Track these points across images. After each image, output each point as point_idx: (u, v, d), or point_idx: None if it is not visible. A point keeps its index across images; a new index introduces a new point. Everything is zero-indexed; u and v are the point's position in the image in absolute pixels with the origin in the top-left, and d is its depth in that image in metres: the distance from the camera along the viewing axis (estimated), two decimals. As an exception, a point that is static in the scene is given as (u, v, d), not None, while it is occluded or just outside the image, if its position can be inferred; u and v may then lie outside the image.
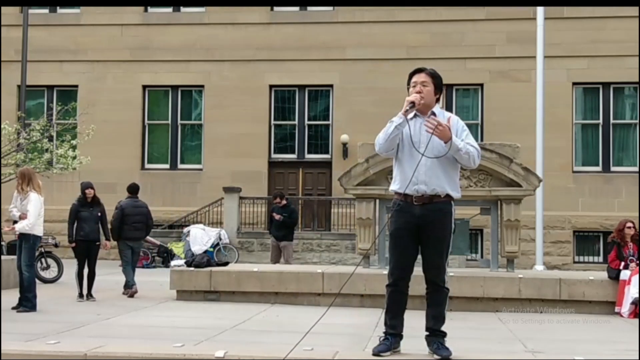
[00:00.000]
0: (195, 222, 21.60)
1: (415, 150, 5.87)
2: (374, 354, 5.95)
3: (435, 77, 6.08)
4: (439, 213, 5.93)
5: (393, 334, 6.05)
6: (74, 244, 11.58)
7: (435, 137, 5.79)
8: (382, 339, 6.06)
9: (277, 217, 15.82)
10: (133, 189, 13.09)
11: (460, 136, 5.95)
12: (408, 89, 6.12)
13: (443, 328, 6.05)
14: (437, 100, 6.13)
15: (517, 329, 8.80)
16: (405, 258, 5.98)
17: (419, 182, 5.87)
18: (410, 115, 5.95)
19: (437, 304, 6.03)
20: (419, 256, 6.09)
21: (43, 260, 14.28)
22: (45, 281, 13.89)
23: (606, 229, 20.17)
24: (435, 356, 5.94)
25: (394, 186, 6.07)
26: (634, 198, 20.45)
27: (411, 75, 6.13)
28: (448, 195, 5.97)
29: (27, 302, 9.74)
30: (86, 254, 11.56)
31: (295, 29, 22.91)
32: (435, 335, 6.03)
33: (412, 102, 5.91)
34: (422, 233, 5.93)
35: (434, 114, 6.02)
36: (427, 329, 6.08)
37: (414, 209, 5.89)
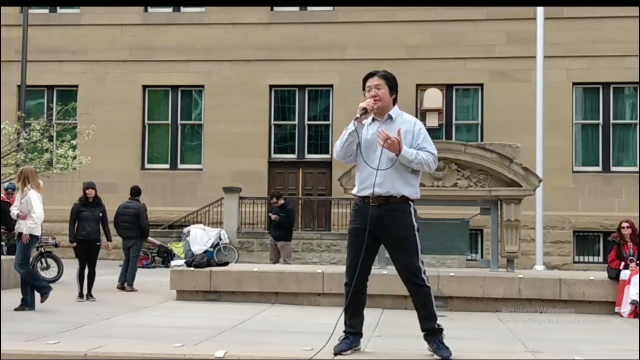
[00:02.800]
0: (195, 222, 21.60)
1: (371, 154, 5.98)
2: (335, 354, 5.97)
3: (388, 79, 6.14)
4: (395, 212, 5.99)
5: (353, 333, 6.11)
6: (74, 244, 11.60)
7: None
8: (342, 338, 6.10)
9: (273, 217, 15.93)
10: (131, 191, 13.84)
11: (416, 140, 6.03)
12: (364, 94, 6.17)
13: (438, 323, 6.08)
14: (394, 101, 6.19)
15: (517, 329, 8.80)
16: (359, 258, 6.01)
17: (374, 185, 5.94)
18: (368, 120, 6.05)
19: (422, 304, 6.08)
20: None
21: (43, 260, 14.27)
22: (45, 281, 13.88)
23: (606, 229, 20.18)
24: (436, 356, 5.96)
25: (354, 190, 6.22)
26: (634, 198, 20.44)
27: (365, 79, 6.18)
28: (404, 196, 6.03)
29: (45, 289, 9.86)
30: (87, 253, 11.56)
31: (295, 29, 22.90)
32: (433, 334, 6.06)
33: (364, 109, 5.97)
34: (382, 235, 6.01)
35: (390, 117, 6.10)
36: (422, 330, 6.12)
37: (371, 210, 5.96)
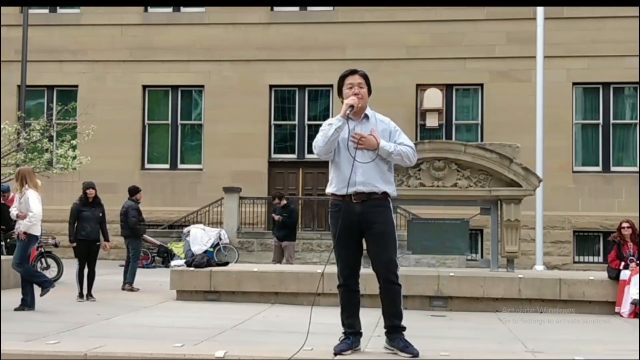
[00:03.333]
0: (195, 222, 21.60)
1: (351, 153, 6.02)
2: (335, 354, 6.01)
3: (367, 79, 6.26)
4: (378, 208, 6.07)
5: (352, 333, 6.16)
6: (75, 244, 11.59)
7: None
8: (342, 338, 6.15)
9: (276, 217, 15.94)
10: (128, 191, 13.92)
11: (393, 137, 6.14)
12: (340, 91, 6.28)
13: (403, 324, 6.13)
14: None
15: (517, 329, 8.80)
16: (352, 257, 6.11)
17: (356, 183, 6.00)
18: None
19: (391, 302, 6.12)
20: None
21: (43, 260, 14.26)
22: (45, 281, 13.89)
23: (606, 229, 20.19)
24: (404, 354, 6.01)
25: (331, 189, 6.19)
26: (634, 198, 20.44)
27: (344, 77, 6.28)
28: (385, 193, 6.11)
29: (46, 283, 9.87)
30: (87, 253, 11.56)
31: (295, 29, 22.90)
32: (397, 332, 6.12)
33: (352, 105, 6.04)
34: (365, 230, 6.07)
35: (367, 117, 6.18)
36: (385, 327, 6.18)
37: (354, 207, 6.02)
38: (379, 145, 5.97)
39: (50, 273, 14.27)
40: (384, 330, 6.19)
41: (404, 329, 6.14)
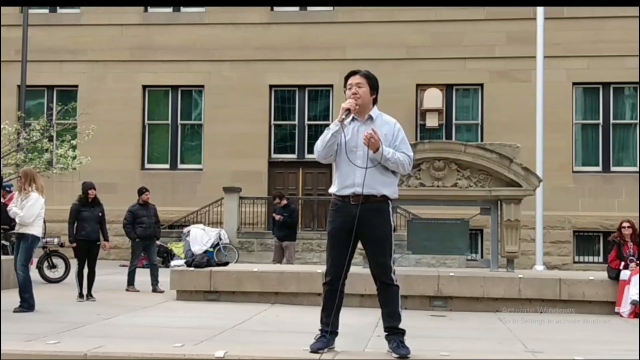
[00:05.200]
0: (195, 222, 21.60)
1: (353, 154, 6.02)
2: (312, 352, 6.02)
3: (370, 78, 6.18)
4: (375, 212, 6.05)
5: (329, 332, 6.15)
6: (74, 244, 11.58)
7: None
8: (318, 336, 6.15)
9: (277, 217, 15.90)
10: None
11: (395, 141, 6.10)
12: (344, 91, 6.22)
13: (401, 326, 6.12)
14: (374, 101, 6.22)
15: (517, 329, 8.80)
16: (342, 257, 6.06)
17: (355, 185, 6.00)
18: (348, 120, 6.06)
19: (389, 302, 6.13)
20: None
21: (49, 260, 14.24)
22: (50, 281, 13.88)
23: (606, 229, 20.19)
24: (394, 355, 6.02)
25: (333, 189, 6.22)
26: (634, 198, 20.45)
27: (346, 78, 6.22)
28: (384, 196, 6.09)
29: (23, 303, 9.71)
30: (87, 253, 11.55)
31: (295, 29, 22.91)
32: (394, 334, 6.11)
33: (348, 109, 6.01)
34: (360, 233, 6.05)
35: (370, 117, 6.14)
36: (385, 329, 6.17)
37: (351, 209, 5.99)
38: (379, 149, 5.94)
39: (57, 273, 14.25)
40: (385, 333, 6.18)
41: (402, 331, 6.12)
